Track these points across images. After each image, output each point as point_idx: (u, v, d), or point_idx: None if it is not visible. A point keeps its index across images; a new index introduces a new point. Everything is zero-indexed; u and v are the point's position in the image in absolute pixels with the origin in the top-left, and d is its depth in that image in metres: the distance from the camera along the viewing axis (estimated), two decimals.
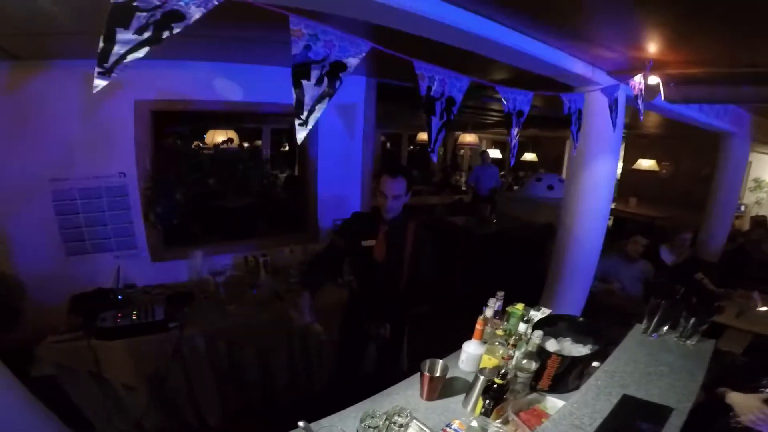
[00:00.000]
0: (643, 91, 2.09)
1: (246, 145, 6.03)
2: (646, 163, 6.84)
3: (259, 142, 6.60)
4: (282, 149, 6.76)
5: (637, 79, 2.10)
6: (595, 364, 1.57)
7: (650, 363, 1.53)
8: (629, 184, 7.48)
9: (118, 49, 0.79)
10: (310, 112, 1.01)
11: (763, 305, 2.95)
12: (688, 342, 1.70)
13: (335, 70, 1.04)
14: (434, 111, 1.38)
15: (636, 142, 7.32)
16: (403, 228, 1.94)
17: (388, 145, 10.26)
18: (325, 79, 1.02)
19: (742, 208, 6.62)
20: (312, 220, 3.29)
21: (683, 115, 3.48)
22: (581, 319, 1.74)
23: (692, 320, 1.70)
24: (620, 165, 7.78)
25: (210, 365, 2.19)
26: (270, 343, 2.33)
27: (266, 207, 3.38)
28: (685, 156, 6.78)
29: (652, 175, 7.01)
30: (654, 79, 2.13)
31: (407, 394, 1.47)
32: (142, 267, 2.71)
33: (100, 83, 0.79)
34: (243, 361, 2.30)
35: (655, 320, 1.75)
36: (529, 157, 9.60)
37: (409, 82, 3.50)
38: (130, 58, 0.80)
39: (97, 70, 0.78)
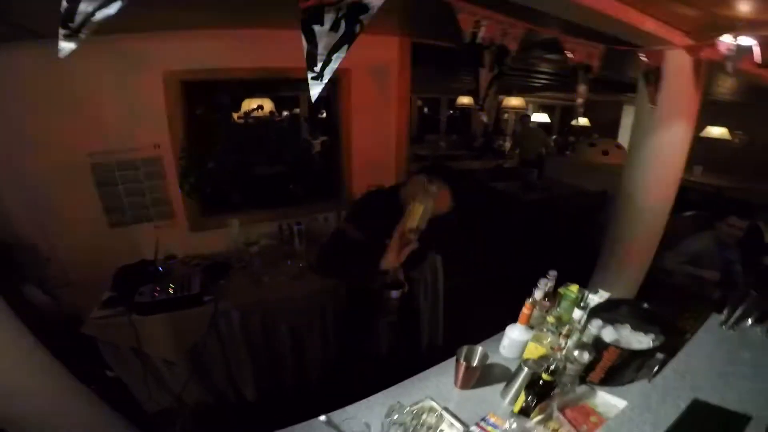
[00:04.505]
0: (732, 53, 1.70)
1: (285, 113, 5.98)
2: (716, 131, 6.10)
3: (298, 110, 6.51)
4: (319, 116, 6.67)
5: (726, 39, 1.72)
6: (658, 355, 1.37)
7: (728, 361, 1.31)
8: (695, 152, 6.75)
9: (83, 6, 0.66)
10: (325, 63, 0.84)
11: None
12: None
13: (354, 13, 0.85)
14: (482, 61, 1.16)
15: (704, 109, 6.53)
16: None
17: (426, 109, 9.88)
18: (343, 24, 0.85)
19: None
20: (346, 186, 3.22)
21: None
22: (646, 305, 1.52)
23: None
24: None
25: (245, 339, 2.19)
26: (303, 319, 2.30)
27: (300, 174, 3.32)
28: (763, 125, 5.94)
29: (722, 144, 6.25)
30: (747, 41, 1.73)
31: (440, 380, 1.36)
32: (181, 237, 2.75)
33: (66, 46, 0.68)
34: (277, 336, 2.28)
35: (739, 311, 1.49)
36: (582, 121, 8.86)
37: (447, 43, 3.20)
38: (100, 16, 0.67)
39: (62, 32, 0.66)
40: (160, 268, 2.36)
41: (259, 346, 2.25)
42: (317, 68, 0.83)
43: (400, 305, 1.65)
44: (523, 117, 7.36)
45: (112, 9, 0.70)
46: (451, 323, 2.93)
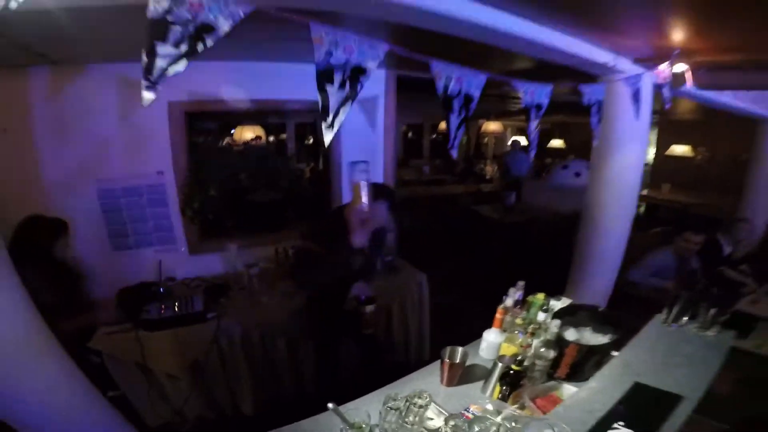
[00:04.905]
0: (668, 80, 2.04)
1: (272, 139, 6.21)
2: (680, 149, 6.59)
3: (284, 136, 6.75)
4: (306, 142, 6.91)
5: (663, 67, 2.05)
6: (613, 353, 1.60)
7: (668, 353, 1.54)
8: (662, 170, 7.23)
9: (160, 63, 0.88)
10: (335, 114, 1.10)
11: None
12: (708, 333, 1.69)
13: (356, 75, 1.12)
14: (452, 108, 1.44)
15: (669, 128, 7.05)
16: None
17: (410, 134, 10.27)
18: (347, 83, 1.11)
19: None
20: None
21: (716, 102, 3.34)
22: (601, 308, 1.77)
23: (712, 311, 1.69)
24: (652, 151, 7.52)
25: (244, 355, 2.33)
26: (299, 333, 2.46)
27: (294, 200, 3.52)
28: (723, 141, 6.44)
29: (686, 161, 6.72)
30: (681, 67, 2.07)
31: (428, 380, 1.55)
32: (181, 260, 2.89)
33: (148, 96, 0.89)
34: (275, 350, 2.43)
35: (675, 310, 1.75)
36: (557, 143, 9.34)
37: (429, 74, 3.51)
38: (171, 71, 0.89)
39: (144, 84, 0.87)
40: (161, 289, 2.50)
41: (257, 360, 2.40)
42: (329, 119, 1.08)
43: (375, 319, 1.91)
44: (513, 142, 7.94)
45: (181, 66, 0.92)
46: (437, 334, 3.12)
